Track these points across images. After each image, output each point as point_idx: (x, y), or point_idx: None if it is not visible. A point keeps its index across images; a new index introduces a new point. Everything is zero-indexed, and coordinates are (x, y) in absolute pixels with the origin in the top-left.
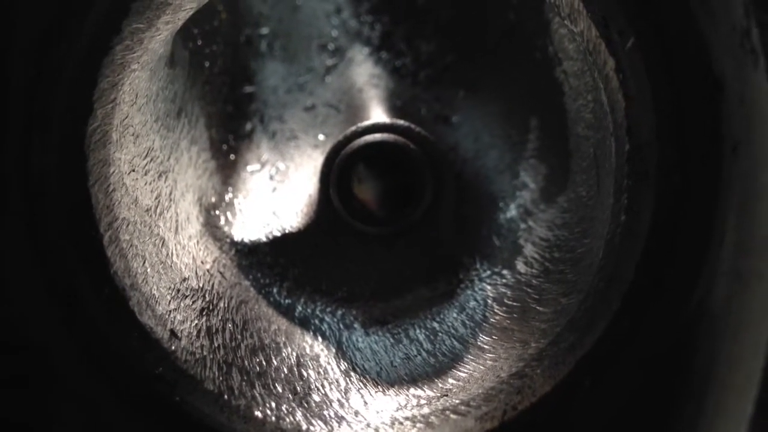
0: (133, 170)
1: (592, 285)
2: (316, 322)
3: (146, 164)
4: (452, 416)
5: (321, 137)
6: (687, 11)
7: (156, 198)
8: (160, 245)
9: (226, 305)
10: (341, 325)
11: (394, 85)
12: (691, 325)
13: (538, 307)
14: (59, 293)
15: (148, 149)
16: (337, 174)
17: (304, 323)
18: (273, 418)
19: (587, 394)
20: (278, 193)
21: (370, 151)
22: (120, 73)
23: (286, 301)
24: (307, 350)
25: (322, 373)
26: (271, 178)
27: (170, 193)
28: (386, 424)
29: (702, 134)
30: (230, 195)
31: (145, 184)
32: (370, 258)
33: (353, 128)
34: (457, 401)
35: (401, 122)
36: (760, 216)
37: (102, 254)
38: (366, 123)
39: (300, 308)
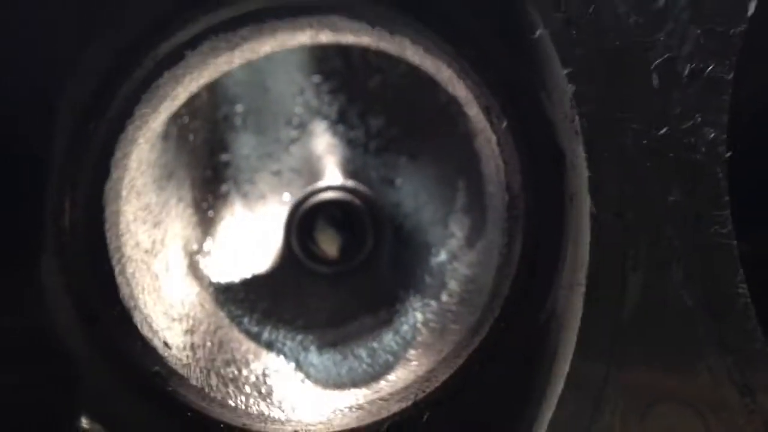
0: (136, 219)
1: (485, 303)
2: (279, 345)
3: (145, 215)
4: (380, 402)
5: (286, 196)
6: (539, 102)
7: (152, 242)
8: (155, 279)
9: (205, 329)
10: (300, 348)
11: (349, 153)
12: (545, 325)
13: (453, 326)
14: (84, 312)
15: (147, 204)
16: (297, 226)
17: (269, 346)
18: (243, 407)
19: (476, 377)
20: (248, 242)
21: (324, 207)
22: (130, 146)
23: (255, 328)
24: (271, 365)
25: (283, 380)
26: (243, 230)
27: (162, 239)
28: (331, 411)
29: (552, 189)
30: (209, 243)
31: (144, 231)
32: (324, 293)
33: (310, 188)
34: (385, 394)
35: (350, 183)
36: (582, 245)
37: (114, 282)
38: (321, 185)
39: (266, 335)
